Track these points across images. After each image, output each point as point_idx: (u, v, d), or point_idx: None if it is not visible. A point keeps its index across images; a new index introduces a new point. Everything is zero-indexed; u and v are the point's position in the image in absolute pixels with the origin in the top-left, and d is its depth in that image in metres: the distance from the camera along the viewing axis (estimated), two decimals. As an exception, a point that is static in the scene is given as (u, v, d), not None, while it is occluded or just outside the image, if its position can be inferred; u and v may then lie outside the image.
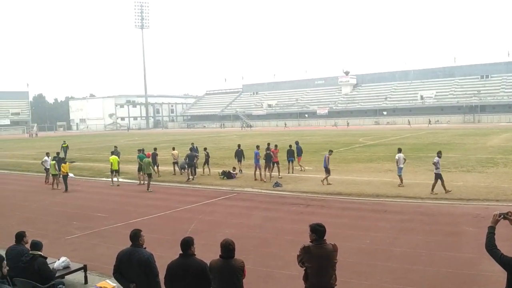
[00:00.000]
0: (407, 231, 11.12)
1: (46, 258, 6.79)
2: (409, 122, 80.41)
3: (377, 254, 9.34)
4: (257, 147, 20.46)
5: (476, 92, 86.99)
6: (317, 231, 5.39)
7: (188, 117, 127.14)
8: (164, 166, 24.06)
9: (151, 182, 18.78)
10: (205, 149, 23.18)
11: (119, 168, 20.92)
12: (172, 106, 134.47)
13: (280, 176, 19.90)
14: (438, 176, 15.18)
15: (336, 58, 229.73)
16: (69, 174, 19.68)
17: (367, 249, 9.73)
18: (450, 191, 15.04)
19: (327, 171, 18.05)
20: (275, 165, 20.30)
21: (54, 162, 20.07)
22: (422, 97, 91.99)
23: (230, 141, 47.53)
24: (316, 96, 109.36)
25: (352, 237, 10.56)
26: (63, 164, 19.60)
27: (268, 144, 21.69)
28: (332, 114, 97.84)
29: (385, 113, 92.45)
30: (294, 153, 21.95)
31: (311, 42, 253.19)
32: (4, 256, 6.23)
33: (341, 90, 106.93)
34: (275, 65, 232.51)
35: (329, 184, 17.66)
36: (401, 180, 16.96)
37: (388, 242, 10.16)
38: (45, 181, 21.37)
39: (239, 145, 24.01)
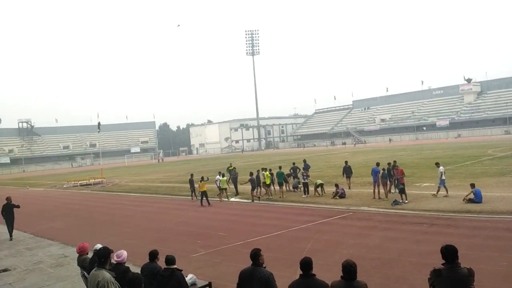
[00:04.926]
0: (552, 252, 9.65)
1: (182, 270, 7.25)
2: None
3: (518, 279, 8.24)
4: (377, 164, 19.74)
5: None
6: (448, 253, 4.95)
7: (298, 136, 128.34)
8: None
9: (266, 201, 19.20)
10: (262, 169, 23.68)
11: (271, 183, 22.42)
12: (282, 126, 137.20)
13: (406, 201, 17.22)
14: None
15: (455, 66, 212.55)
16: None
17: (505, 272, 8.66)
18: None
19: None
20: (402, 188, 17.50)
21: (225, 178, 23.28)
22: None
23: (342, 159, 46.60)
24: (435, 107, 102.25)
25: (486, 258, 9.49)
26: (199, 183, 22.06)
27: (389, 162, 20.44)
28: (454, 125, 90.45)
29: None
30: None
31: (426, 51, 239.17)
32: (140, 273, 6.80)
33: (463, 99, 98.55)
34: (387, 79, 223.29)
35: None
36: (438, 191, 17.90)
37: (530, 265, 8.91)
38: (192, 198, 24.28)
39: (346, 162, 23.61)
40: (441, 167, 18.05)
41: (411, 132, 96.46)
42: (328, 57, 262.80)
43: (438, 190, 17.92)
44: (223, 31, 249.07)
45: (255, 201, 21.63)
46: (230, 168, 32.15)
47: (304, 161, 25.24)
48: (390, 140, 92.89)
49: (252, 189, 21.97)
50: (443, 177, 17.88)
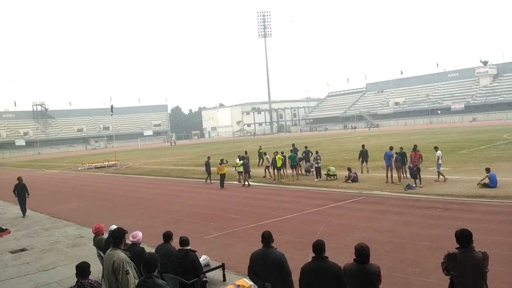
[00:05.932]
0: None
1: (195, 251, 7.36)
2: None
3: (534, 264, 8.17)
4: (390, 148, 19.57)
5: None
6: (463, 237, 4.92)
7: (310, 120, 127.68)
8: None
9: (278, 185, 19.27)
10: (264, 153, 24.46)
11: (281, 166, 22.44)
12: (294, 110, 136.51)
13: (421, 186, 17.19)
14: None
15: (471, 48, 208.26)
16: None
17: (520, 257, 8.58)
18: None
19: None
20: (418, 172, 17.41)
21: (241, 162, 22.87)
22: None
23: (355, 142, 46.40)
24: (450, 90, 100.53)
25: (499, 243, 9.43)
26: (218, 166, 22.32)
27: (401, 147, 20.56)
28: (469, 108, 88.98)
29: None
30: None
31: (442, 33, 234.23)
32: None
33: (479, 82, 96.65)
34: (401, 61, 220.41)
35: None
36: (441, 175, 18.09)
37: (546, 251, 8.82)
38: (206, 181, 24.46)
39: (363, 146, 23.41)
40: (438, 152, 18.19)
41: (425, 115, 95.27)
42: (341, 39, 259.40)
43: (444, 174, 18.21)
44: (234, 13, 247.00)
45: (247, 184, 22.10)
46: (260, 151, 31.92)
47: (293, 145, 25.07)
48: (377, 125, 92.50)
49: (245, 173, 22.30)
50: (440, 162, 18.08)
